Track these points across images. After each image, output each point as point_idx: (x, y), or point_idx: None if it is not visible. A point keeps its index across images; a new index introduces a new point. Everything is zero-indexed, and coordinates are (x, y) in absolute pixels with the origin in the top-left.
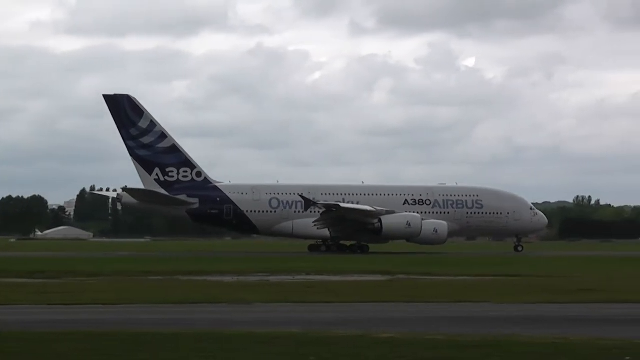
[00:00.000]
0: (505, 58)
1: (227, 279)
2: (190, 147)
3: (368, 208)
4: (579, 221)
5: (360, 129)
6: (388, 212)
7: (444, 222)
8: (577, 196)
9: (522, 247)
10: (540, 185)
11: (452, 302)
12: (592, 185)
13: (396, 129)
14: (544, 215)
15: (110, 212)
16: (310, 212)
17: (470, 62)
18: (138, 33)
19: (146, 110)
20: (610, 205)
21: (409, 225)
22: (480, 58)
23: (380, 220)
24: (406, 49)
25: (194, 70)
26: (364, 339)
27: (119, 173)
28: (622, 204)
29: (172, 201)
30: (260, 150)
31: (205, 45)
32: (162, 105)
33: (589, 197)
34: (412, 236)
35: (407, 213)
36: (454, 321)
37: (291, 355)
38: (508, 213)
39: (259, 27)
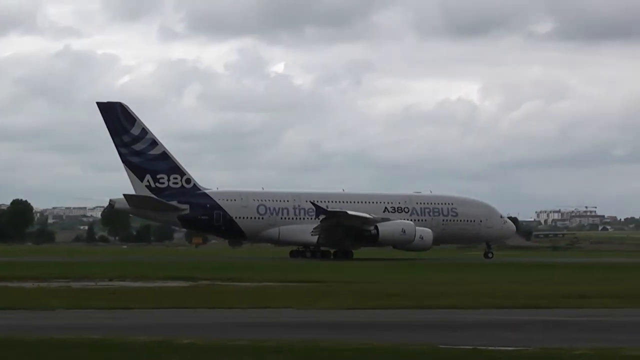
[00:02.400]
0: (314, 64)
1: (28, 284)
2: None
3: (367, 215)
4: None
5: (169, 134)
6: (384, 219)
7: (429, 230)
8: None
9: (492, 254)
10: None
11: (255, 307)
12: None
13: (205, 133)
14: (512, 223)
15: None
16: (300, 218)
17: (279, 68)
18: None
19: (138, 118)
20: None
21: (404, 232)
22: (290, 64)
23: (376, 227)
24: (216, 54)
25: None
26: (164, 345)
27: None
28: None
29: (167, 207)
30: (65, 154)
31: (11, 47)
32: None
33: None
34: (405, 243)
35: (401, 220)
36: (256, 327)
37: None
38: (481, 221)
39: (67, 29)
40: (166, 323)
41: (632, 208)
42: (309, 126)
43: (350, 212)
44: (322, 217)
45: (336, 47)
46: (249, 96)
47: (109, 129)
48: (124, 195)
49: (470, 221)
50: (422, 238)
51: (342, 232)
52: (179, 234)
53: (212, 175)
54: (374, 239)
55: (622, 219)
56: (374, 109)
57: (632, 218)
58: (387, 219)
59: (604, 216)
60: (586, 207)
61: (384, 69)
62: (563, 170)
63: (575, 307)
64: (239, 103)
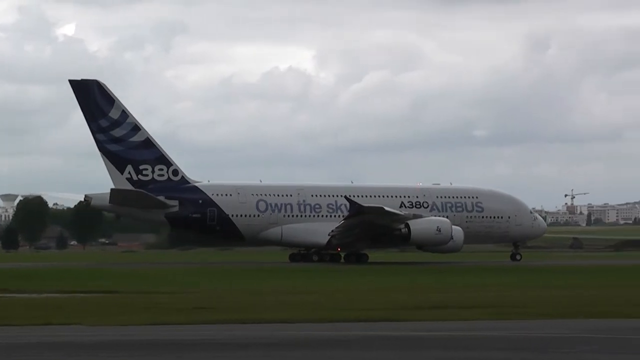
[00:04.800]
0: (112, 26)
1: None
2: None
3: (397, 211)
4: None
5: None
6: (415, 216)
7: (459, 228)
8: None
9: (521, 256)
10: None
11: (40, 325)
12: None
13: None
14: (543, 220)
15: None
16: (305, 216)
17: (69, 30)
18: None
19: (117, 99)
20: None
21: (439, 231)
22: (82, 26)
23: (407, 225)
24: None
25: None
26: None
27: None
28: None
29: (158, 204)
30: None
31: None
32: None
33: None
34: (440, 243)
35: (435, 217)
36: (51, 347)
37: None
38: (509, 217)
39: None
40: None
41: None
42: None
43: (386, 209)
44: (348, 213)
45: (140, 5)
46: (31, 65)
47: (83, 112)
48: (112, 189)
49: (498, 218)
50: (452, 239)
51: (367, 231)
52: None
53: None
54: (404, 239)
55: None
56: (186, 80)
57: None
58: (420, 216)
59: None
60: None
61: (198, 31)
62: (415, 153)
63: (425, 319)
64: (18, 73)
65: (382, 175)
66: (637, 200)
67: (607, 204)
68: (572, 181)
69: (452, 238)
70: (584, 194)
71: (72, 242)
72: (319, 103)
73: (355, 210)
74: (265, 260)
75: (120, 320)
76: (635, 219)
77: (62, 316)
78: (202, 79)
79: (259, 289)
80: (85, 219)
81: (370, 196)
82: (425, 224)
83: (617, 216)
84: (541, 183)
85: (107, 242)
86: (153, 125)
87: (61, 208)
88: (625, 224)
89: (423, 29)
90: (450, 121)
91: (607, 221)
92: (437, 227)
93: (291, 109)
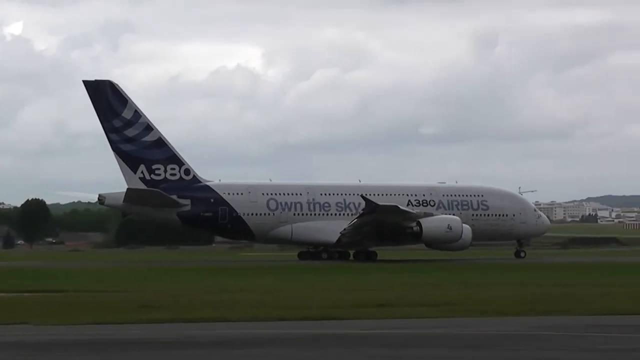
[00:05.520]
0: (60, 25)
1: None
2: None
3: (410, 210)
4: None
5: None
6: (426, 215)
7: (467, 226)
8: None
9: (525, 253)
10: (98, 180)
11: None
12: None
13: None
14: (546, 218)
15: None
16: (315, 214)
17: (16, 28)
18: None
19: (130, 99)
20: None
21: (450, 228)
22: (30, 24)
23: (419, 224)
24: None
25: None
26: None
27: None
28: None
29: (171, 204)
30: None
31: None
32: None
33: None
34: (451, 241)
35: (446, 215)
36: None
37: None
38: (514, 215)
39: None
40: None
41: None
42: (53, 101)
43: (401, 207)
44: (362, 211)
45: (88, 4)
46: None
47: (97, 112)
48: (129, 189)
49: (503, 215)
50: (462, 237)
51: (378, 229)
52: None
53: None
54: (415, 237)
55: None
56: (133, 79)
57: None
58: (430, 214)
59: None
60: None
61: (146, 30)
62: (363, 151)
63: (368, 317)
64: None
65: (330, 173)
66: (584, 198)
67: (555, 201)
68: (519, 179)
69: (462, 236)
70: (532, 191)
71: (19, 242)
72: (267, 101)
73: (371, 208)
74: (244, 259)
75: (67, 320)
76: (582, 216)
77: (7, 316)
78: (149, 77)
79: (208, 287)
80: (32, 218)
81: (379, 194)
82: (436, 222)
83: (564, 214)
84: (489, 181)
85: (54, 241)
86: (98, 124)
87: (8, 207)
88: (573, 221)
89: (371, 28)
90: (398, 119)
91: (554, 219)
92: (448, 225)
93: (239, 107)
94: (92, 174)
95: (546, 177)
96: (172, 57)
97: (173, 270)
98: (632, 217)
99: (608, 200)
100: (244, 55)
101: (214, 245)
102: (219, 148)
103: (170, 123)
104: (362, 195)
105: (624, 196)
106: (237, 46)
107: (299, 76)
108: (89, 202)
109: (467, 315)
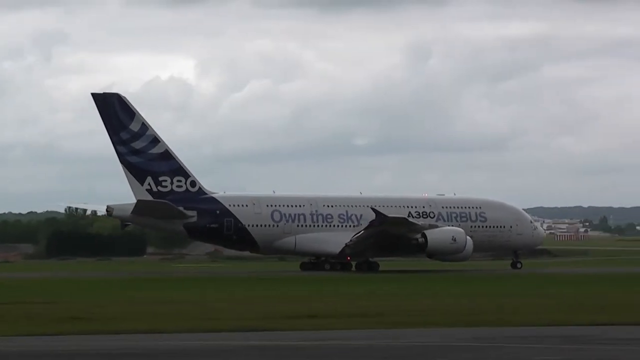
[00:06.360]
0: None
1: None
2: None
3: (416, 221)
4: (71, 235)
5: None
6: (431, 226)
7: (469, 238)
8: (70, 206)
9: (521, 264)
10: (28, 191)
11: None
12: (91, 192)
13: None
14: (542, 230)
15: None
16: (317, 226)
17: None
18: None
19: (137, 112)
20: None
21: (454, 240)
22: None
23: (424, 235)
24: None
25: None
26: None
27: None
28: None
29: (179, 215)
30: None
31: None
32: None
33: None
34: (455, 252)
35: (450, 227)
36: None
37: None
38: (511, 227)
39: None
40: None
41: None
42: None
43: (410, 219)
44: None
45: (20, 14)
46: None
47: (105, 125)
48: (139, 200)
49: (500, 227)
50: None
51: (382, 241)
52: None
53: None
54: (420, 249)
55: None
56: (66, 90)
57: None
58: (435, 226)
59: None
60: None
61: (79, 41)
62: (296, 163)
63: (297, 329)
64: None
65: (262, 185)
66: None
67: None
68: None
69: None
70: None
71: None
72: (200, 112)
73: (380, 220)
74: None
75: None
76: None
77: None
78: (82, 88)
79: (139, 298)
80: None
81: (381, 206)
82: (441, 234)
83: None
84: (423, 192)
85: None
86: (32, 135)
87: None
88: None
89: (304, 39)
90: (331, 130)
91: None
92: (453, 236)
93: (172, 118)
94: (28, 184)
95: (480, 189)
96: (105, 68)
97: (104, 281)
98: (563, 228)
99: (539, 212)
100: (177, 67)
101: (145, 256)
102: None
103: (103, 134)
104: (372, 208)
105: (555, 208)
106: (171, 57)
107: (231, 87)
108: (47, 212)
109: (391, 327)
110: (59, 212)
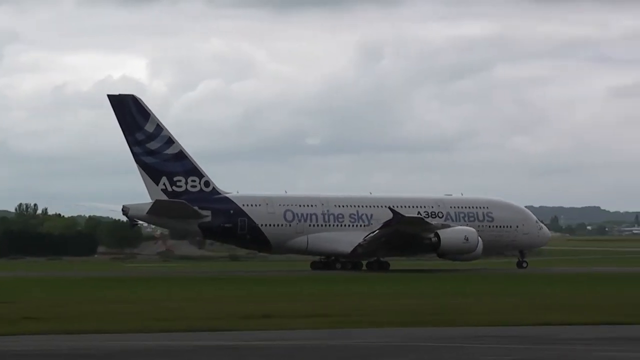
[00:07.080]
0: None
1: None
2: None
3: (430, 221)
4: (21, 234)
5: None
6: (444, 226)
7: (480, 237)
8: (20, 204)
9: (527, 263)
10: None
11: None
12: (39, 191)
13: None
14: (547, 229)
15: None
16: (329, 225)
17: None
18: None
19: (152, 113)
20: (61, 215)
21: (467, 239)
22: None
23: (437, 235)
24: None
25: None
26: None
27: None
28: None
29: (194, 215)
30: None
31: None
32: None
33: (34, 205)
34: (467, 252)
35: (463, 227)
36: None
37: None
38: (517, 226)
39: None
40: None
41: None
42: None
43: (425, 219)
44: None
45: None
46: None
47: (121, 126)
48: (156, 200)
49: (507, 227)
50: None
51: (395, 240)
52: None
53: None
54: (433, 248)
55: None
56: (18, 89)
57: None
58: (447, 226)
59: None
60: None
61: (31, 39)
62: (248, 163)
63: (252, 329)
64: None
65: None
66: None
67: None
68: (405, 190)
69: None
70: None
71: None
72: (153, 111)
73: (397, 220)
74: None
75: None
76: None
77: None
78: (34, 87)
79: (93, 298)
80: None
81: (393, 207)
82: (454, 234)
83: None
84: (373, 192)
85: None
86: None
87: None
88: None
89: (256, 39)
90: (284, 130)
91: None
92: (465, 236)
93: None
94: None
95: (432, 189)
96: (57, 67)
97: (56, 281)
98: None
99: None
100: (129, 66)
101: (96, 256)
102: (105, 158)
103: (55, 133)
104: (389, 207)
105: None
106: (123, 56)
107: (183, 87)
108: None
109: (351, 327)
110: (9, 212)
